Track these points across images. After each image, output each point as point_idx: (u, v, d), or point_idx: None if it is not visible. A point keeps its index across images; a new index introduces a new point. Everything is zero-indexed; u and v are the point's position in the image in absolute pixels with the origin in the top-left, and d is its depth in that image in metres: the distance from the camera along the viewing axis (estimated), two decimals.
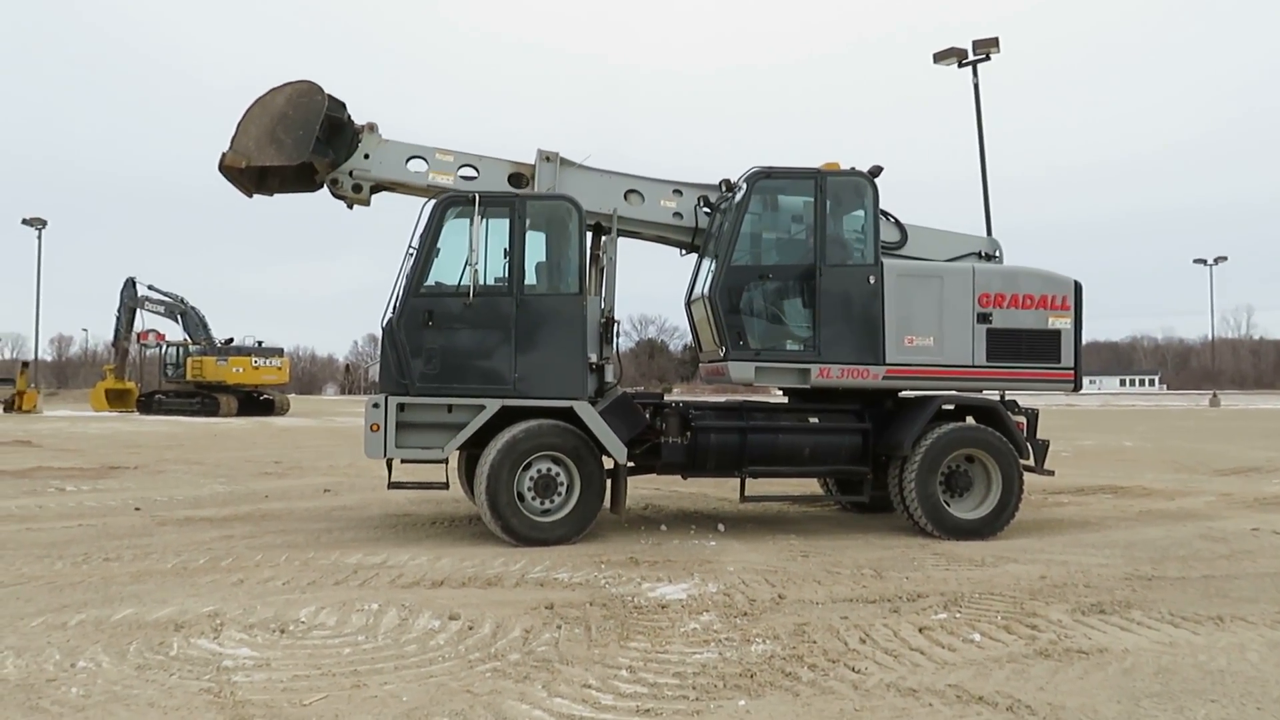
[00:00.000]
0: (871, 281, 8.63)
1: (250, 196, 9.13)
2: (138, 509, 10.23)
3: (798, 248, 9.01)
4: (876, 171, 8.84)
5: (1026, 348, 8.83)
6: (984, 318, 8.75)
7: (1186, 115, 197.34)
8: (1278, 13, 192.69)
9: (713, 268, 8.86)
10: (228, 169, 8.61)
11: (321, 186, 9.10)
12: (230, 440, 22.67)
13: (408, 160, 8.97)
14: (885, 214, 9.06)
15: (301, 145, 8.46)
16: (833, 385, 8.66)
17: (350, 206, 9.12)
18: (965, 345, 8.72)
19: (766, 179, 8.88)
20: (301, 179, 9.01)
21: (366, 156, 8.90)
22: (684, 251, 9.68)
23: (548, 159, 9.03)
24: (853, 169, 8.84)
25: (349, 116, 8.84)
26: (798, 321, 8.80)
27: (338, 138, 8.79)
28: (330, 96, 8.58)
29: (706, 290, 8.80)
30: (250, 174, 8.71)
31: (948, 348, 8.70)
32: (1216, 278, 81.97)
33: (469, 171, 9.05)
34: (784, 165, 8.91)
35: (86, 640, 5.05)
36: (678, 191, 9.33)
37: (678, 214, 9.30)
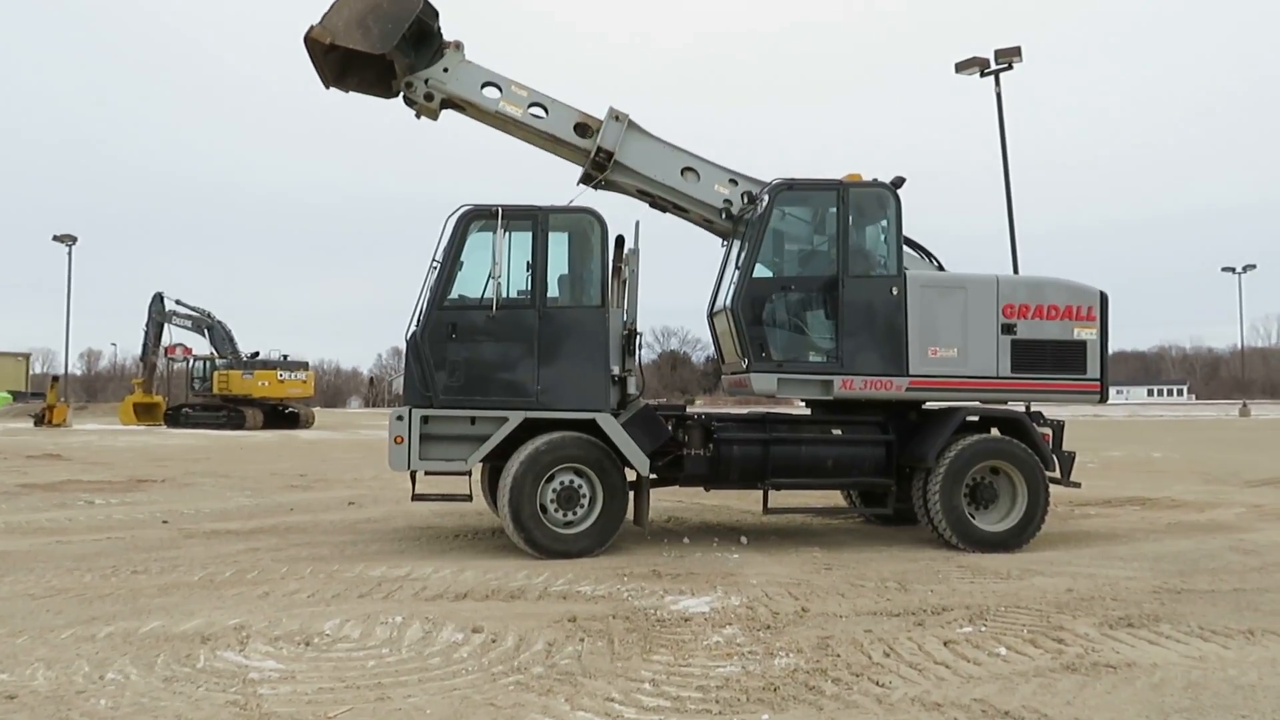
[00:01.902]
0: (894, 292, 8.60)
1: (327, 87, 9.24)
2: (165, 522, 10.33)
3: (820, 259, 9.00)
4: (899, 183, 8.82)
5: (1051, 359, 8.76)
6: (1008, 329, 8.70)
7: (1217, 115, 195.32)
8: None
9: (735, 279, 8.86)
10: (312, 42, 8.67)
11: (397, 94, 9.30)
12: (256, 453, 22.85)
13: (483, 86, 9.16)
14: (911, 242, 9.07)
15: (388, 37, 8.56)
16: (856, 397, 8.63)
17: (418, 116, 9.35)
18: (990, 356, 8.67)
19: (789, 190, 8.88)
20: (381, 80, 9.15)
21: (446, 70, 9.07)
22: (725, 242, 9.72)
23: (616, 118, 9.19)
24: (875, 180, 8.83)
25: (439, 28, 9.00)
26: (820, 333, 8.78)
27: (424, 44, 8.98)
28: (427, 1, 8.75)
29: (729, 302, 8.80)
30: (334, 62, 8.84)
31: (972, 359, 8.65)
32: (1245, 285, 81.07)
33: (538, 111, 9.23)
34: (807, 177, 8.92)
35: (115, 652, 5.10)
36: (734, 181, 9.35)
37: (728, 201, 9.31)
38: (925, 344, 8.59)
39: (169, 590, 6.72)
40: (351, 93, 9.39)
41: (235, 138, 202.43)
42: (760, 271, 8.83)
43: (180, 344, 43.52)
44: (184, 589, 6.77)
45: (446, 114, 9.54)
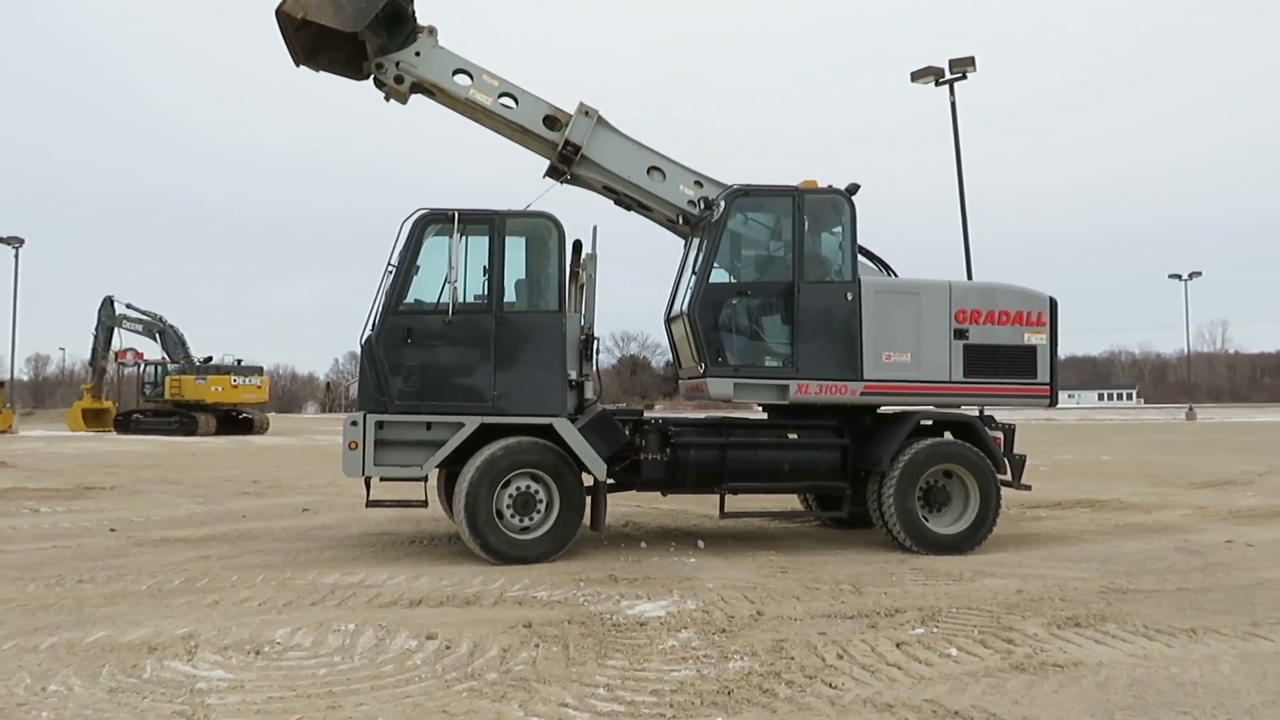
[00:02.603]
0: (849, 298, 8.68)
1: (297, 65, 9.16)
2: (113, 530, 10.14)
3: (776, 265, 9.07)
4: (854, 189, 8.91)
5: (1003, 363, 8.89)
6: (961, 334, 8.82)
7: (1163, 141, 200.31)
8: (1253, 48, 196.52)
9: (692, 284, 8.90)
10: (284, 15, 8.60)
11: (368, 76, 9.25)
12: (208, 460, 22.49)
13: (455, 72, 9.14)
14: (865, 251, 9.18)
15: (361, 15, 8.53)
16: (811, 402, 8.70)
17: (387, 99, 9.33)
18: (942, 361, 8.78)
19: (744, 197, 8.94)
20: (352, 62, 9.14)
21: (418, 54, 9.03)
22: (687, 243, 9.75)
23: (586, 113, 9.20)
24: (830, 187, 8.92)
25: (413, 11, 9.01)
26: (776, 338, 8.84)
27: (397, 26, 8.94)
28: None
29: (686, 307, 8.84)
30: (306, 39, 8.79)
31: (925, 364, 8.76)
32: (1192, 293, 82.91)
33: (508, 101, 9.21)
34: (763, 184, 8.98)
35: (58, 663, 4.99)
36: (699, 183, 9.35)
37: (691, 202, 9.32)
38: (880, 349, 8.68)
39: (115, 599, 6.59)
40: (322, 72, 9.30)
41: (185, 143, 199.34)
42: (717, 277, 8.88)
43: (131, 349, 42.72)
44: (131, 598, 6.65)
45: (416, 99, 9.48)
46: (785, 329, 8.75)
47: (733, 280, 9.10)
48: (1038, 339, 8.97)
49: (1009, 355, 8.90)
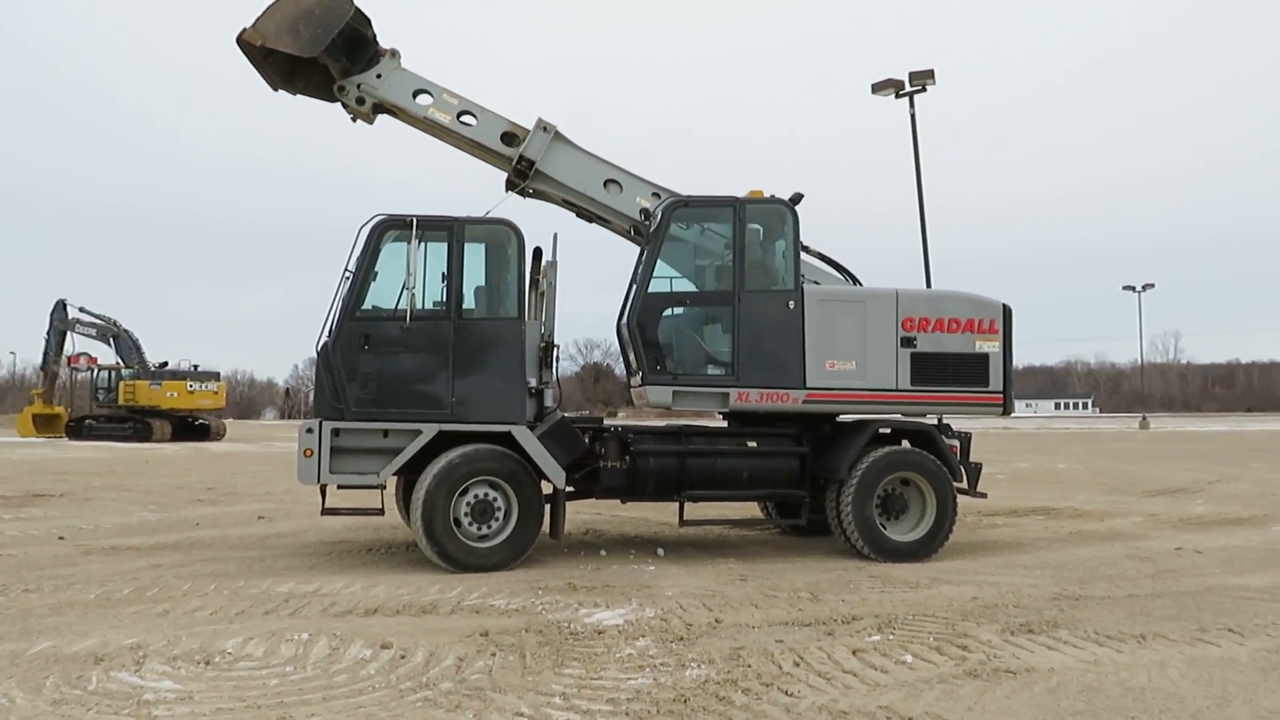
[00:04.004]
0: (791, 306, 8.71)
1: (275, 89, 9.38)
2: (61, 538, 9.93)
3: (716, 274, 9.11)
4: (797, 199, 8.98)
5: (953, 371, 8.91)
6: (908, 341, 8.84)
7: (1119, 157, 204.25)
8: (1210, 71, 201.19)
9: (631, 294, 8.90)
10: (245, 44, 8.85)
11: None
12: (162, 466, 22.11)
13: (416, 93, 9.33)
14: (828, 259, 9.31)
15: (316, 42, 8.74)
16: (752, 409, 8.75)
17: (354, 119, 9.56)
18: (889, 369, 8.80)
19: (683, 208, 8.98)
20: (326, 86, 9.35)
21: (379, 76, 9.27)
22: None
23: (544, 129, 9.32)
24: (773, 196, 8.97)
25: (374, 34, 9.22)
26: (717, 347, 8.88)
27: (358, 50, 9.20)
28: (358, 9, 8.94)
29: (624, 317, 8.84)
30: (279, 65, 9.02)
31: (870, 372, 8.77)
32: (1145, 305, 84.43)
33: (469, 119, 9.38)
34: (702, 195, 9.06)
35: (0, 675, 4.87)
36: (657, 195, 9.38)
37: (644, 213, 9.31)
38: (822, 357, 8.69)
39: (62, 609, 6.45)
40: (299, 95, 9.50)
41: (141, 146, 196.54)
42: (657, 286, 8.87)
43: (84, 353, 41.89)
44: (78, 607, 6.51)
45: (382, 119, 9.63)
46: (726, 337, 8.78)
47: (673, 290, 9.09)
48: (990, 347, 8.98)
49: (959, 363, 8.91)
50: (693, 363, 8.91)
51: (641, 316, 8.69)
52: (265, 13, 8.87)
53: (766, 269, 9.01)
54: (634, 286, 8.94)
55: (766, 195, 8.93)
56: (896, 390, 8.81)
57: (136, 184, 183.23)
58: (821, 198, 9.23)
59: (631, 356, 8.88)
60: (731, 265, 8.92)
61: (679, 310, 9.00)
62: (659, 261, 8.85)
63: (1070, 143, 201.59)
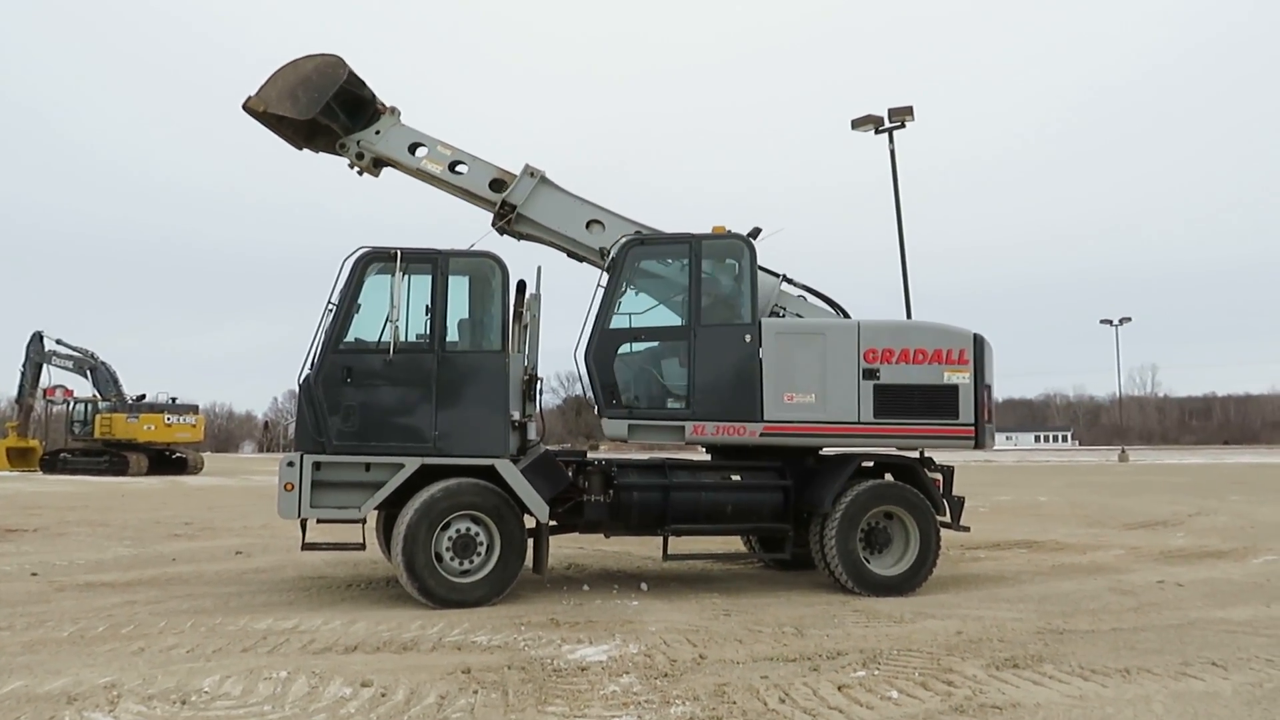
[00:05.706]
0: (748, 340, 8.71)
1: (299, 149, 10.09)
2: (35, 574, 9.76)
3: (672, 310, 9.12)
4: (755, 233, 9.06)
5: (919, 403, 8.74)
6: (870, 373, 8.73)
7: (1097, 194, 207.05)
8: (1188, 115, 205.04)
9: (588, 330, 8.86)
10: (249, 109, 9.52)
11: None
12: (139, 501, 21.83)
13: (414, 147, 9.93)
14: (815, 292, 9.46)
15: (312, 105, 9.40)
16: (709, 442, 8.81)
17: (360, 174, 10.09)
18: (850, 402, 8.70)
19: (639, 245, 9.05)
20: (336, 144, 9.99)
21: (378, 133, 9.91)
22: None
23: (531, 174, 9.82)
24: (730, 232, 9.02)
25: (371, 94, 9.85)
26: (673, 381, 8.89)
27: (358, 110, 9.85)
28: (352, 72, 9.57)
29: (581, 351, 8.84)
30: (296, 128, 9.68)
31: (831, 404, 8.69)
32: (1123, 338, 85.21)
33: (461, 168, 9.93)
34: (658, 232, 9.23)
35: None
36: (639, 233, 9.43)
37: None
38: (781, 390, 8.64)
39: (34, 647, 6.32)
40: (321, 153, 10.12)
41: (115, 181, 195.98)
42: (617, 323, 8.87)
43: (60, 385, 41.52)
44: (51, 645, 6.38)
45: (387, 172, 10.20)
46: (682, 371, 8.79)
47: (630, 325, 9.05)
48: (959, 378, 8.81)
49: (926, 395, 8.74)
50: (648, 396, 8.95)
51: (598, 353, 8.73)
52: (268, 81, 9.55)
53: (724, 303, 9.02)
54: (591, 321, 8.94)
55: (725, 231, 9.00)
56: (859, 423, 8.70)
57: (114, 216, 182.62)
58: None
59: (588, 390, 8.89)
60: (678, 301, 8.95)
61: (636, 345, 9.02)
62: (617, 298, 8.89)
63: (1051, 183, 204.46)
